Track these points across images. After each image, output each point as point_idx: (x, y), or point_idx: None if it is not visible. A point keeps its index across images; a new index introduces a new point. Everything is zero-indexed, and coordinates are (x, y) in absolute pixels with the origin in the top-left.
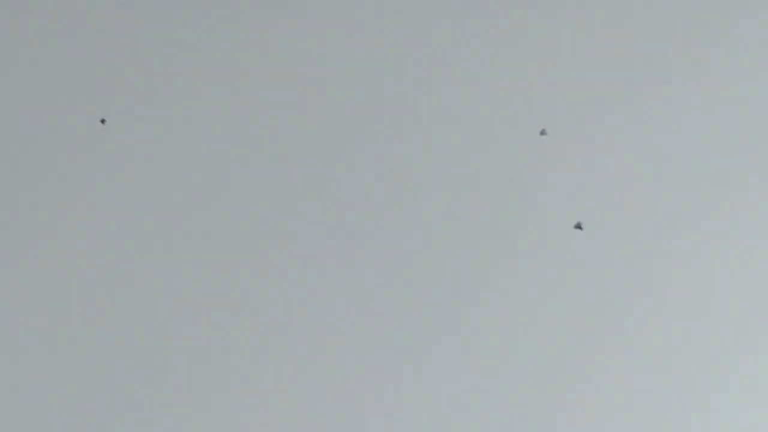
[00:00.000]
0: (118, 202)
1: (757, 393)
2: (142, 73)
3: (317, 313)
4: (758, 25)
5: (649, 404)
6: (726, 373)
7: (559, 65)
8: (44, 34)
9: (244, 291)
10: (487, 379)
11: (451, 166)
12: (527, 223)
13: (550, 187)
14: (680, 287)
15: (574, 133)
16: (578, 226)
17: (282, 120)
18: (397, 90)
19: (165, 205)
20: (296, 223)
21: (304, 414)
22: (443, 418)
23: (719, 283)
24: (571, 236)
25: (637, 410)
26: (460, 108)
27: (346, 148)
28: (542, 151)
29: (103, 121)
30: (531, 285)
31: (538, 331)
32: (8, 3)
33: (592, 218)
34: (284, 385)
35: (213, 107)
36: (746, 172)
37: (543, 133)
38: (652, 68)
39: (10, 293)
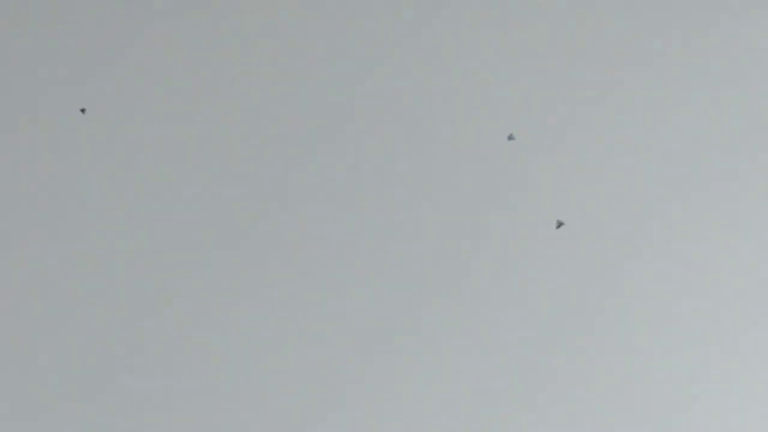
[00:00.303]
0: (101, 193)
1: (755, 393)
2: (123, 62)
3: (311, 314)
4: (737, 26)
5: (641, 403)
6: (720, 373)
7: (545, 65)
8: (25, 21)
9: (239, 289)
10: (476, 379)
11: (438, 168)
12: (513, 223)
13: (537, 186)
14: (668, 285)
15: (559, 134)
16: (559, 224)
17: (259, 118)
18: (385, 93)
19: (149, 196)
20: (279, 223)
21: (304, 414)
22: (434, 418)
23: (706, 281)
24: (557, 236)
25: (629, 409)
26: (444, 110)
27: (333, 149)
28: (532, 151)
29: (83, 111)
30: (519, 285)
31: (528, 330)
32: None
33: (578, 219)
34: (282, 387)
35: (198, 97)
36: (727, 171)
37: (511, 138)
38: (637, 67)
39: None
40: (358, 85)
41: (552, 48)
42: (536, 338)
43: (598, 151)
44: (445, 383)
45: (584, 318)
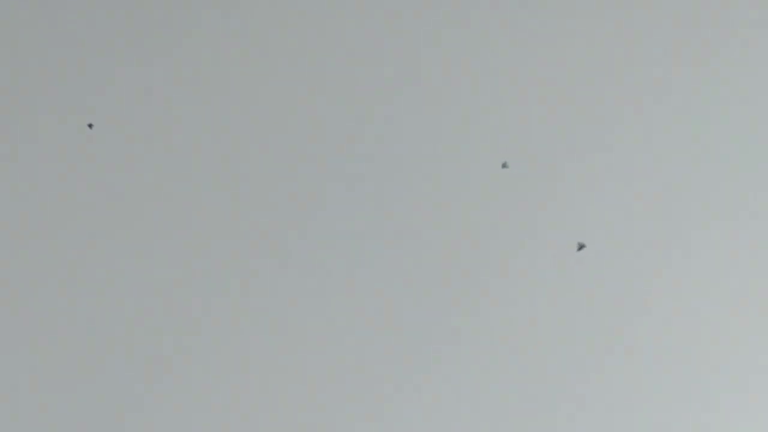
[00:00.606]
0: (108, 208)
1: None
2: (131, 76)
3: (315, 318)
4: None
5: (654, 416)
6: (747, 391)
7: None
8: (31, 33)
9: (242, 293)
10: (490, 394)
11: (455, 180)
12: (528, 240)
13: (553, 203)
14: (678, 301)
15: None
16: (580, 247)
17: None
18: (397, 98)
19: (156, 211)
20: (285, 228)
21: (305, 416)
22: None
23: (721, 300)
24: (575, 255)
25: (642, 422)
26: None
27: (343, 158)
28: (547, 169)
29: (90, 126)
30: (532, 299)
31: (539, 343)
32: None
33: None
34: (281, 389)
35: (206, 111)
36: (729, 186)
37: (505, 166)
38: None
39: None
40: (368, 100)
41: (568, 63)
42: (552, 355)
43: (617, 168)
44: (458, 400)
45: (604, 337)
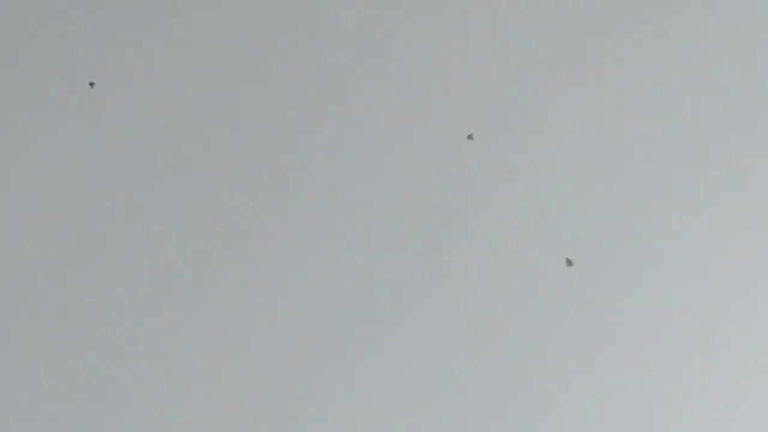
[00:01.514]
0: (108, 172)
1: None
2: (133, 37)
3: (307, 315)
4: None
5: (641, 414)
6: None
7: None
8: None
9: (229, 288)
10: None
11: (437, 176)
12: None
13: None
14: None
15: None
16: (569, 263)
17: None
18: (393, 94)
19: (152, 175)
20: (270, 222)
21: (298, 414)
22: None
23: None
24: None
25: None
26: (438, 115)
27: (325, 147)
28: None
29: (92, 84)
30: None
31: (519, 339)
32: None
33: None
34: (274, 388)
35: (207, 78)
36: (717, 187)
37: (470, 137)
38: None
39: None
40: (348, 85)
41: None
42: (527, 346)
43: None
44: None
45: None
